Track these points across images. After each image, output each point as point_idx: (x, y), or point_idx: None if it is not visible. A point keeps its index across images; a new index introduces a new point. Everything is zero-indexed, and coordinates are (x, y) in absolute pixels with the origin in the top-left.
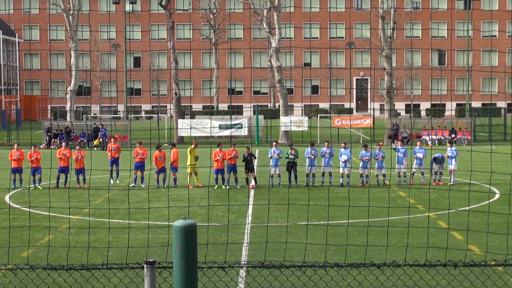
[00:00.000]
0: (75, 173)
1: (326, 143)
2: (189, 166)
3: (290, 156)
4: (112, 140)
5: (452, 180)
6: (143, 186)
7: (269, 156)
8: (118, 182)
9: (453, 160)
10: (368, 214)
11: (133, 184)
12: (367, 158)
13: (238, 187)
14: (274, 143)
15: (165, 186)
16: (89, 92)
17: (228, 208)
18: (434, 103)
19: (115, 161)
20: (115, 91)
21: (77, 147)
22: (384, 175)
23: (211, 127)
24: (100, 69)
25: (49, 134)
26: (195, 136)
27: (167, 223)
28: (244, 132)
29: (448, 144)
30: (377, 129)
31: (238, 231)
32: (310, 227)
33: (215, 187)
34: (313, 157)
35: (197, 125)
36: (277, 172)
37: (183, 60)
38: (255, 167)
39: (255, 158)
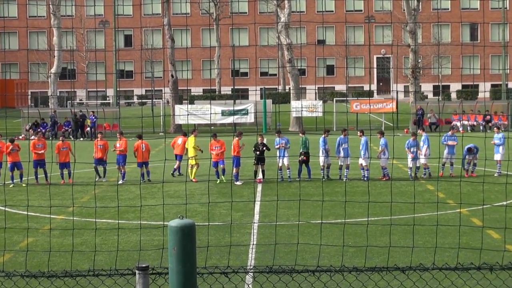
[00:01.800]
0: (59, 167)
1: (343, 131)
2: (192, 158)
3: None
4: (99, 135)
5: (498, 171)
6: (122, 182)
7: (276, 146)
8: (105, 180)
9: (500, 148)
10: (391, 211)
11: (121, 181)
12: (415, 148)
13: (238, 183)
14: (276, 133)
15: (149, 179)
16: (74, 75)
17: (231, 205)
18: (465, 84)
19: (100, 161)
20: (104, 74)
21: (60, 138)
22: (417, 168)
23: (210, 114)
24: (87, 49)
25: (35, 123)
26: (195, 124)
27: (163, 223)
28: (250, 119)
29: (495, 130)
30: (401, 114)
31: (243, 231)
32: (325, 226)
33: (218, 181)
34: (329, 148)
35: (196, 112)
36: (286, 163)
37: (180, 38)
38: (265, 159)
39: (268, 149)
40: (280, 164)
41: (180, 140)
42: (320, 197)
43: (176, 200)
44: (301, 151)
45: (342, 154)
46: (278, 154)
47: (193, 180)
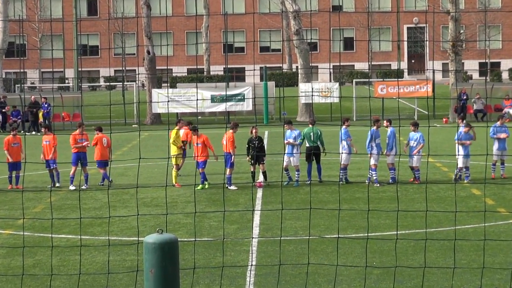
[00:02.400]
0: (8, 168)
1: (375, 122)
2: (173, 157)
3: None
4: (43, 129)
5: None
6: (86, 187)
7: (286, 141)
8: (58, 185)
9: None
10: (426, 222)
11: (84, 186)
12: (469, 141)
13: (232, 188)
14: (286, 125)
15: (102, 184)
16: (24, 52)
17: (224, 216)
18: None
19: (49, 163)
20: (61, 50)
21: (12, 132)
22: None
23: (197, 100)
24: (40, 19)
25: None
26: (177, 114)
27: (137, 239)
28: (247, 106)
29: None
30: (439, 99)
31: (239, 249)
32: (343, 242)
33: (199, 187)
34: (350, 142)
35: (179, 97)
36: (294, 164)
37: (158, 4)
38: (265, 157)
39: (262, 147)
40: (285, 164)
41: (181, 133)
42: (337, 204)
43: (154, 209)
44: (307, 144)
45: (375, 151)
46: (286, 151)
47: (175, 184)
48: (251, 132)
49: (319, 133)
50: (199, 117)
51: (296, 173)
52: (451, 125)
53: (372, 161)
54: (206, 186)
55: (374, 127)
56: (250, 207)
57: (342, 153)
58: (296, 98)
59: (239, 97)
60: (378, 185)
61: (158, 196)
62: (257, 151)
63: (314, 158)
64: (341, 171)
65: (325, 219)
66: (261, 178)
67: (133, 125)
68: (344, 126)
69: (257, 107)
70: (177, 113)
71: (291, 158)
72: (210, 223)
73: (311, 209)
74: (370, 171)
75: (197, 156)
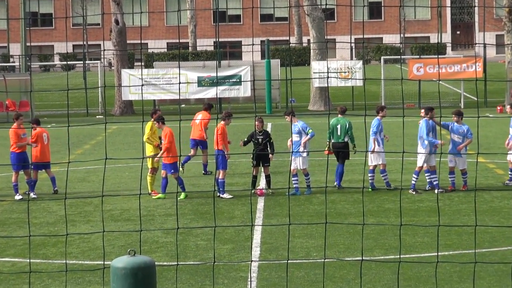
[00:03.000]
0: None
1: (428, 111)
2: (151, 158)
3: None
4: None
5: None
6: (33, 195)
7: (288, 142)
8: (33, 196)
9: None
10: (475, 240)
11: (33, 194)
12: None
13: (225, 196)
14: (287, 116)
15: (32, 194)
16: None
17: (215, 233)
18: None
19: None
20: (5, 20)
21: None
22: None
23: (180, 84)
24: None
25: None
26: (154, 101)
27: (103, 263)
28: (244, 91)
29: None
30: (492, 81)
31: (235, 275)
32: (369, 266)
33: (182, 196)
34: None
35: (157, 80)
36: (300, 167)
37: None
38: (271, 158)
39: (270, 143)
40: (293, 167)
41: (199, 117)
42: (360, 218)
43: (125, 225)
44: (333, 141)
45: (427, 148)
46: (292, 149)
47: (152, 193)
48: (257, 126)
49: (347, 125)
50: (183, 106)
51: (306, 178)
52: (507, 115)
53: (420, 163)
54: (182, 197)
55: (426, 117)
56: (248, 221)
57: (369, 151)
58: (307, 81)
59: (234, 80)
60: (414, 193)
61: (130, 207)
62: (260, 150)
63: (338, 158)
64: (370, 175)
65: (346, 237)
66: (263, 184)
67: (97, 116)
68: (378, 117)
69: (257, 93)
70: (154, 100)
71: (298, 160)
72: (197, 242)
73: (327, 223)
74: (432, 174)
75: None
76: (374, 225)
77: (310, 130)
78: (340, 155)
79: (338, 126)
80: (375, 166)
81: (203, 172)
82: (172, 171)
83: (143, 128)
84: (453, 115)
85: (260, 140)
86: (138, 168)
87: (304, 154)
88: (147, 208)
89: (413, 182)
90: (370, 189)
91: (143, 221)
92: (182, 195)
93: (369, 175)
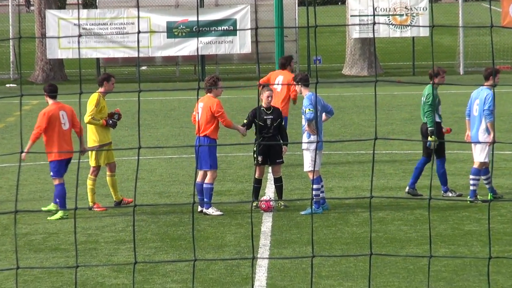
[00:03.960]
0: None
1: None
2: (96, 148)
3: None
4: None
5: None
6: None
7: (305, 125)
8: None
9: None
10: None
11: None
12: None
13: (209, 212)
14: (301, 87)
15: None
16: None
17: (194, 270)
18: None
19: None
20: None
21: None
22: None
23: (138, 34)
24: None
25: None
26: (98, 60)
27: None
28: (241, 45)
29: None
30: None
31: None
32: None
33: (59, 215)
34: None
35: (102, 28)
36: (306, 169)
37: None
38: (284, 151)
39: (280, 127)
40: (309, 166)
41: (280, 79)
42: (425, 246)
43: (51, 257)
44: (437, 120)
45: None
46: (305, 139)
47: (94, 206)
48: (264, 99)
49: (431, 96)
50: (143, 68)
51: (314, 188)
52: None
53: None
54: (58, 216)
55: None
56: (248, 251)
57: (482, 142)
58: (341, 30)
59: (226, 28)
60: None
61: (59, 230)
62: (269, 138)
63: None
64: (473, 178)
65: (402, 277)
66: (270, 192)
67: (8, 85)
68: (486, 85)
69: (262, 48)
70: (97, 59)
71: (306, 156)
72: (165, 285)
73: (373, 255)
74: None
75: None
76: (447, 258)
77: (308, 110)
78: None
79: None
80: (483, 164)
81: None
82: (56, 174)
83: (80, 103)
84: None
85: (268, 122)
86: (73, 167)
87: (309, 148)
88: (87, 231)
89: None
90: (479, 201)
91: (81, 251)
92: (57, 215)
93: (472, 178)
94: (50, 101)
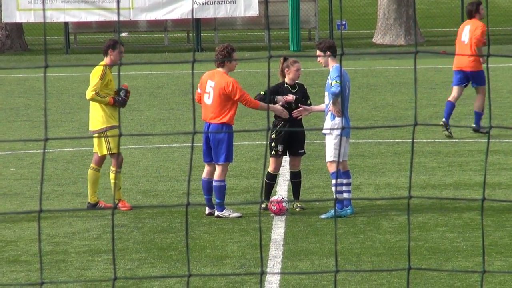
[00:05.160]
0: None
1: None
2: (98, 132)
3: None
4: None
5: None
6: None
7: (329, 105)
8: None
9: None
10: None
11: None
12: None
13: (225, 215)
14: (320, 57)
15: None
16: None
17: (188, 286)
18: None
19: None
20: None
21: None
22: None
23: None
24: None
25: None
26: (66, 25)
27: None
28: (245, 6)
29: None
30: None
31: None
32: None
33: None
34: None
35: None
36: (329, 159)
37: None
38: (304, 138)
39: (299, 105)
40: (331, 157)
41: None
42: (477, 258)
43: (9, 271)
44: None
45: None
46: (328, 123)
47: (119, 205)
48: (282, 72)
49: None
50: (123, 35)
51: (335, 184)
52: None
53: None
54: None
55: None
56: (255, 264)
57: None
58: None
59: None
60: None
61: (19, 236)
62: (292, 122)
63: None
64: None
65: None
66: (281, 191)
67: None
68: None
69: (272, 9)
70: (65, 24)
71: (329, 143)
72: None
73: (412, 269)
74: None
75: None
76: (503, 274)
77: (334, 83)
78: None
79: None
80: None
81: (475, 127)
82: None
83: (45, 79)
84: None
85: (293, 102)
86: (36, 159)
87: (333, 132)
88: (53, 239)
89: None
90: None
91: (46, 263)
92: None
93: None
94: None
